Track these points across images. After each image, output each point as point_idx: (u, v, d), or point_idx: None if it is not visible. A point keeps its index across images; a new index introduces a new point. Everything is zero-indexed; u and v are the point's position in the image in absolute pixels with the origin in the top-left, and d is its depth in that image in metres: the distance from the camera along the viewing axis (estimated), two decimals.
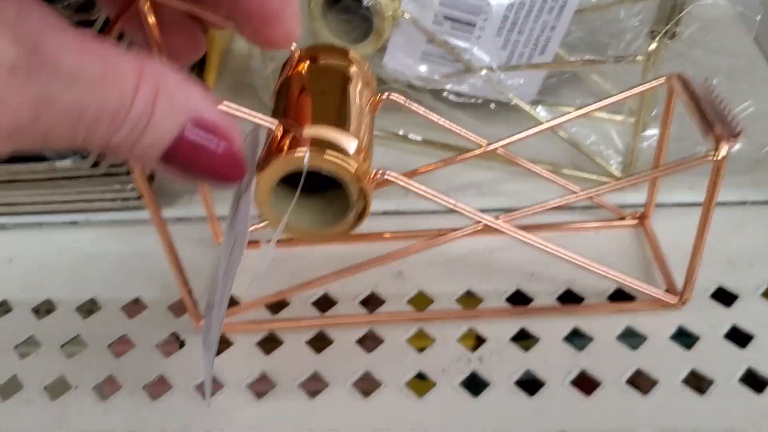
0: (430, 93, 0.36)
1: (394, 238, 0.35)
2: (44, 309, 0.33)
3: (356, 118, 0.23)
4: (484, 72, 0.35)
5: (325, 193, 0.23)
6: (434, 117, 0.25)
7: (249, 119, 0.20)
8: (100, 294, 0.34)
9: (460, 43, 0.36)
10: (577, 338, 0.30)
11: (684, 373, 0.29)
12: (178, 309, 0.33)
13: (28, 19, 0.14)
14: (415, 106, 0.26)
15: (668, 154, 0.31)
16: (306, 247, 0.35)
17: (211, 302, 0.25)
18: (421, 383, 0.29)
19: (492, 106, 0.36)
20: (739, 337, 0.30)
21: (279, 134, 0.22)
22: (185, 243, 0.32)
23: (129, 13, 0.21)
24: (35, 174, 0.33)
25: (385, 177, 0.23)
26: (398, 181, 0.23)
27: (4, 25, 0.13)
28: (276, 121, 0.21)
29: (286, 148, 0.21)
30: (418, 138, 0.38)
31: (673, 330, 0.31)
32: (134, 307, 0.33)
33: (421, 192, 0.24)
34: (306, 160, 0.21)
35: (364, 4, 0.33)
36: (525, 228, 0.28)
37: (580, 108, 0.30)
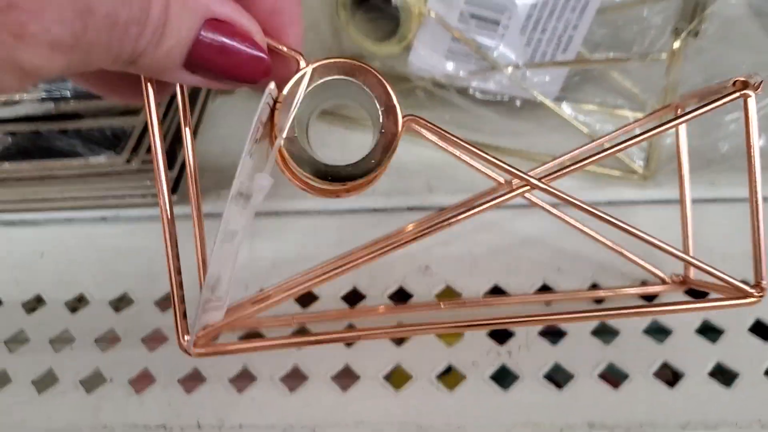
0: (456, 90, 0.36)
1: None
2: (77, 304, 0.34)
3: None
4: (509, 69, 0.35)
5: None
6: (457, 152, 0.24)
7: None
8: (132, 289, 0.34)
9: (485, 41, 0.36)
10: (604, 334, 0.31)
11: (710, 366, 0.29)
12: None
13: None
14: (437, 131, 0.23)
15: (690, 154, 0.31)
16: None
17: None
18: (451, 376, 0.30)
19: (518, 103, 0.36)
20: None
21: None
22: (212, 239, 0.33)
23: None
24: (69, 170, 0.33)
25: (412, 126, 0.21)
26: (424, 130, 0.22)
27: None
28: None
29: None
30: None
31: (698, 324, 0.31)
32: (164, 302, 0.34)
33: (453, 138, 0.22)
34: None
35: (393, 3, 0.33)
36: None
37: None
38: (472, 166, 0.26)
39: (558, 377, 0.29)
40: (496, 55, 0.36)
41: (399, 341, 0.31)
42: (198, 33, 0.17)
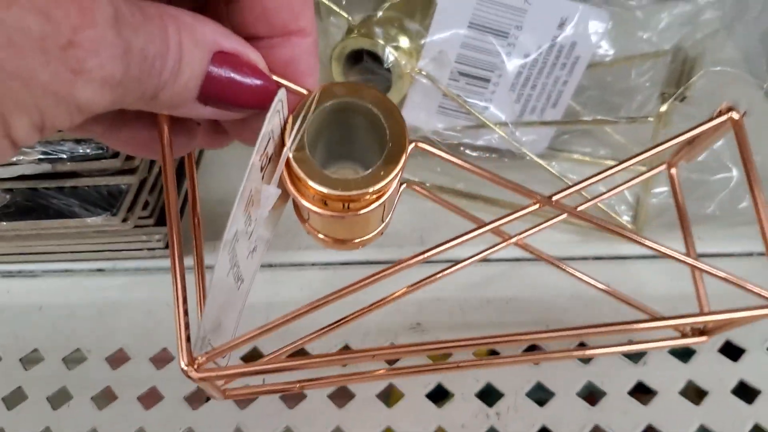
0: (447, 147, 0.37)
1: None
2: (74, 359, 0.35)
3: None
4: (497, 127, 0.36)
5: None
6: (453, 207, 0.25)
7: None
8: (128, 344, 0.35)
9: (476, 99, 0.37)
10: (592, 394, 0.32)
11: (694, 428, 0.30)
12: None
13: None
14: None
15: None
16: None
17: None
18: None
19: (506, 160, 0.37)
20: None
21: None
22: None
23: None
24: (66, 229, 0.34)
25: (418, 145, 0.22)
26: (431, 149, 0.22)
27: None
28: None
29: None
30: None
31: (682, 384, 0.32)
32: (159, 358, 0.34)
33: (452, 160, 0.23)
34: None
35: (385, 66, 0.34)
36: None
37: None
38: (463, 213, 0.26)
39: None
40: (485, 114, 0.36)
41: (390, 403, 0.32)
42: (208, 65, 0.18)
